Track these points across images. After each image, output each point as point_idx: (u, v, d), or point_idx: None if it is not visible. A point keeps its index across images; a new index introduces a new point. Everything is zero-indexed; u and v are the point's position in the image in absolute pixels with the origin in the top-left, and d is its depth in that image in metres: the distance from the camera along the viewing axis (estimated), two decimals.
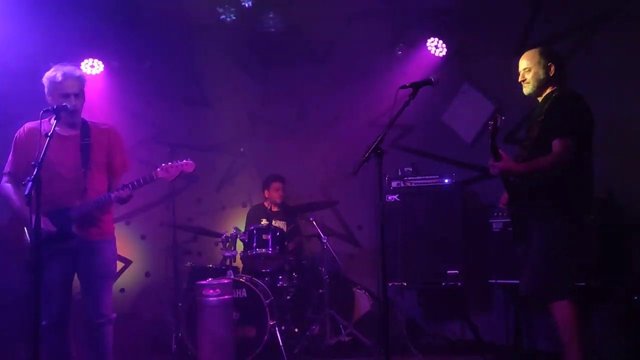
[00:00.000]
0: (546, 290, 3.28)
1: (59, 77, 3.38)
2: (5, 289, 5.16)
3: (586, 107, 3.38)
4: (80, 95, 3.43)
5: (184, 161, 3.59)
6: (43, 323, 3.34)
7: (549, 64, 3.49)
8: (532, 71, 3.50)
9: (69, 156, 3.44)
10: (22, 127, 3.49)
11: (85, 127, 3.54)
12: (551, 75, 3.48)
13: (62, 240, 3.36)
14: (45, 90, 3.44)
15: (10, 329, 5.06)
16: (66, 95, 3.36)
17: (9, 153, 3.54)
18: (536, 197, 3.39)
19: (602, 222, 4.23)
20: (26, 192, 2.80)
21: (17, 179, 3.41)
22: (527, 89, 3.55)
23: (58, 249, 3.36)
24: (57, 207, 3.37)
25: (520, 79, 3.58)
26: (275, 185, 5.77)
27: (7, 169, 3.48)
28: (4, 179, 3.49)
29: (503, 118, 3.27)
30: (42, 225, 3.21)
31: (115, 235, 3.68)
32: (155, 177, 3.50)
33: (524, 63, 3.55)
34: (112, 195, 3.42)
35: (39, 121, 3.23)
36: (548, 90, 3.48)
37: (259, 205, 5.98)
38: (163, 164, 3.56)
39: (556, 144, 3.28)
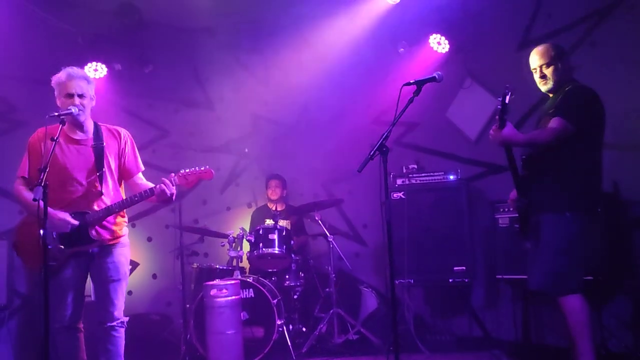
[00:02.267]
0: (556, 284, 3.27)
1: (63, 77, 3.40)
2: (16, 292, 5.20)
3: (597, 102, 3.36)
4: (85, 96, 3.41)
5: (203, 168, 3.49)
6: (56, 326, 3.36)
7: (565, 59, 3.47)
8: (552, 67, 3.44)
9: (82, 160, 3.44)
10: (36, 132, 3.47)
11: (97, 130, 3.54)
12: (567, 69, 3.47)
13: (80, 244, 3.38)
14: (55, 93, 3.45)
15: (20, 332, 5.10)
16: (70, 96, 3.37)
17: (16, 157, 3.55)
18: (545, 191, 3.37)
19: (609, 216, 4.22)
20: (33, 197, 2.82)
21: (31, 184, 3.40)
22: (547, 86, 3.49)
23: (74, 252, 3.38)
24: (74, 211, 3.38)
25: (538, 76, 3.51)
26: (272, 182, 5.83)
27: (21, 173, 3.46)
28: (18, 182, 3.47)
29: (512, 96, 3.19)
30: (66, 219, 3.27)
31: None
32: (173, 183, 3.39)
33: (539, 59, 3.48)
34: (155, 189, 3.36)
35: (52, 126, 3.24)
36: (563, 85, 3.45)
37: (262, 206, 6.00)
38: (181, 171, 3.46)
39: (554, 120, 3.27)
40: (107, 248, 3.46)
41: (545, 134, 3.28)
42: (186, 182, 3.46)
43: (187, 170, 3.46)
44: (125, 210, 3.57)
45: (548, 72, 3.46)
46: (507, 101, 3.17)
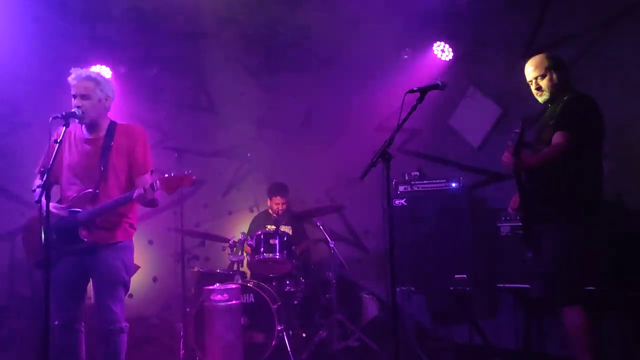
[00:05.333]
0: (558, 295, 3.26)
1: (70, 79, 3.43)
2: (17, 291, 5.21)
3: (597, 110, 3.36)
4: (89, 97, 3.40)
5: (182, 174, 3.27)
6: (55, 323, 3.34)
7: (560, 68, 3.47)
8: (547, 77, 3.45)
9: (89, 159, 3.44)
10: (57, 130, 3.38)
11: (111, 129, 3.52)
12: (564, 79, 3.46)
13: (69, 243, 3.34)
14: None
15: (20, 331, 5.10)
16: (74, 97, 3.40)
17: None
18: (548, 201, 3.36)
19: (611, 226, 4.20)
20: (35, 199, 2.83)
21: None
22: (543, 97, 3.50)
23: (66, 250, 3.35)
24: (68, 209, 3.37)
25: (534, 87, 3.51)
26: (276, 199, 5.72)
27: (38, 168, 3.47)
28: (37, 177, 3.48)
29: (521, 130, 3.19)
30: (55, 211, 3.26)
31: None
32: (154, 188, 3.26)
33: (534, 71, 3.49)
34: (134, 194, 3.29)
35: (74, 125, 3.28)
36: (560, 95, 3.46)
37: (264, 212, 5.99)
38: (165, 175, 3.29)
39: (558, 135, 3.27)
40: (100, 250, 3.39)
41: (553, 151, 3.27)
42: (167, 187, 3.26)
43: (167, 175, 3.27)
44: (130, 212, 3.54)
45: (543, 83, 3.47)
46: (524, 135, 3.16)
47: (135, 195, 3.28)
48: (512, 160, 3.23)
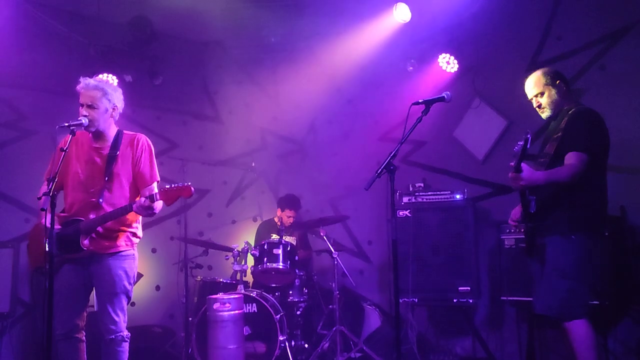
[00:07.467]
0: (561, 309, 3.24)
1: (78, 87, 3.44)
2: (19, 301, 5.21)
3: (602, 124, 3.36)
4: (95, 107, 3.40)
5: (182, 184, 3.28)
6: (57, 332, 3.32)
7: (558, 82, 3.48)
8: (546, 94, 3.47)
9: (94, 168, 3.45)
10: (64, 138, 3.36)
11: (117, 138, 3.53)
12: (563, 92, 3.47)
13: (71, 252, 3.34)
14: None
15: (22, 338, 5.10)
16: (81, 105, 3.41)
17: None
18: (552, 214, 3.35)
19: (615, 239, 4.19)
20: (41, 207, 2.84)
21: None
22: (545, 114, 3.51)
23: (68, 258, 3.35)
24: (71, 217, 3.38)
25: (535, 106, 3.54)
26: (288, 212, 5.72)
27: (46, 175, 3.48)
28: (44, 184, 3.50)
29: (529, 137, 3.18)
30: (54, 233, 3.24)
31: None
32: (155, 199, 3.26)
33: (533, 89, 3.52)
34: (133, 205, 3.31)
35: (81, 133, 3.32)
36: (563, 108, 3.47)
37: (269, 220, 5.99)
38: (165, 187, 3.30)
39: (571, 156, 3.25)
40: (102, 259, 3.39)
41: (565, 171, 3.25)
42: (166, 199, 3.27)
43: (167, 187, 3.29)
44: (133, 221, 3.54)
45: (542, 101, 3.49)
46: (528, 146, 3.15)
47: (135, 207, 3.30)
48: (513, 176, 3.23)
